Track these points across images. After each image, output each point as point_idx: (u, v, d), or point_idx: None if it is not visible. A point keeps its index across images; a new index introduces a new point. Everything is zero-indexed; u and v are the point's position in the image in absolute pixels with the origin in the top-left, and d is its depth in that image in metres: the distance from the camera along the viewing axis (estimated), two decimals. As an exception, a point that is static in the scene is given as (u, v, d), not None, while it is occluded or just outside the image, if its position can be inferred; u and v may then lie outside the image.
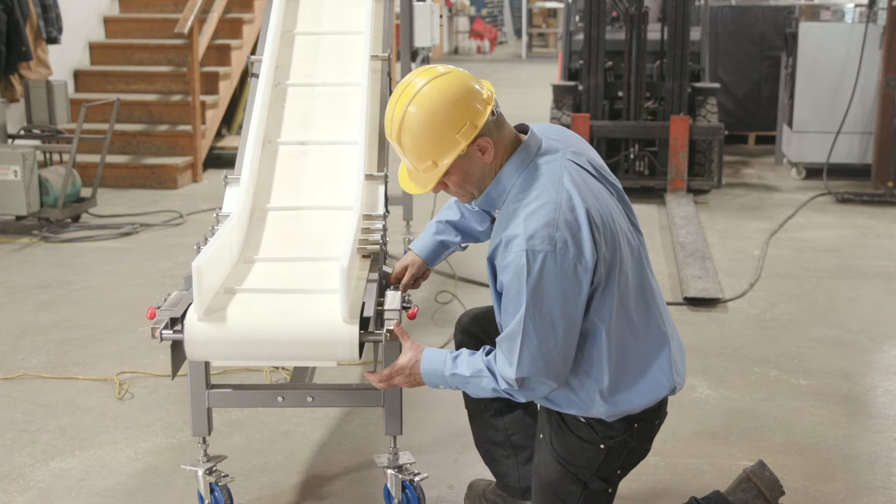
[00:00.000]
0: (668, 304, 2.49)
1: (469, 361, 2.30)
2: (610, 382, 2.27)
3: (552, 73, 14.58)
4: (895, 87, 7.32)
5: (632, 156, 7.51)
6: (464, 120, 2.23)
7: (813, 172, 7.91)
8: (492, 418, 2.68)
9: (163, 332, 2.40)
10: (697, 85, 7.59)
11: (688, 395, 3.71)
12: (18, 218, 6.26)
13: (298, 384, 3.06)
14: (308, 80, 3.54)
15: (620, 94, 7.43)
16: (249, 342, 2.41)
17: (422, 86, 2.25)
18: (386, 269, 2.77)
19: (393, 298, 2.59)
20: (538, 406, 2.48)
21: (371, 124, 3.28)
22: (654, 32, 7.51)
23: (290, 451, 3.33)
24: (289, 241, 2.92)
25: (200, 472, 2.72)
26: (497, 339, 2.26)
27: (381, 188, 3.07)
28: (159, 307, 2.50)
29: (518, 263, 2.15)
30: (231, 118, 9.04)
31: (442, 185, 2.32)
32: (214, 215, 2.94)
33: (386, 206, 3.03)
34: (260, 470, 3.20)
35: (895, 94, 7.34)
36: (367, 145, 3.14)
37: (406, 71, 5.43)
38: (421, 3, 5.59)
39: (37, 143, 6.60)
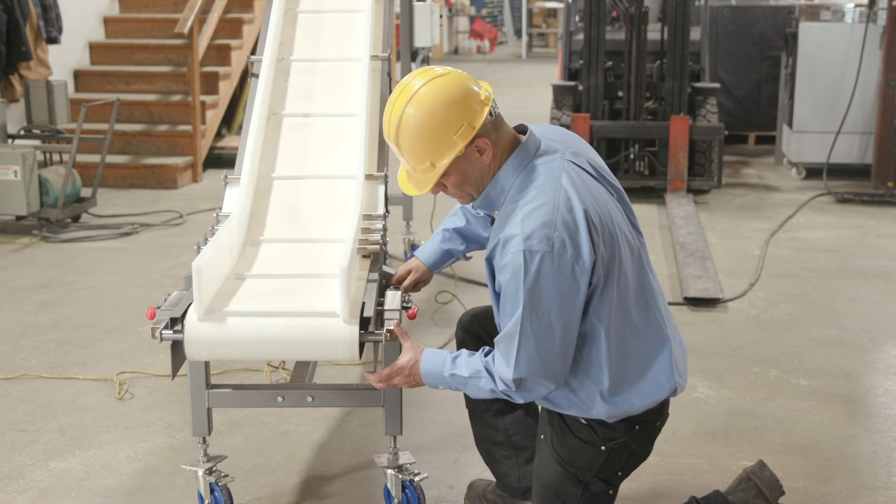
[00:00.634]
0: (668, 304, 2.48)
1: (468, 362, 2.30)
2: (610, 383, 2.26)
3: (552, 73, 14.57)
4: (895, 87, 7.32)
5: (632, 156, 7.51)
6: (461, 121, 2.23)
7: (813, 172, 7.91)
8: (492, 418, 2.68)
9: (163, 332, 2.40)
10: (697, 85, 7.59)
11: (688, 395, 3.71)
12: (18, 218, 6.26)
13: (298, 384, 3.06)
14: (311, 56, 3.63)
15: (620, 94, 7.43)
16: (249, 342, 2.42)
17: (419, 87, 2.25)
18: (386, 269, 2.77)
19: (393, 298, 2.59)
20: (539, 407, 2.48)
21: (371, 121, 3.29)
22: (654, 32, 7.51)
23: (290, 451, 3.33)
24: (292, 215, 2.99)
25: (200, 472, 2.73)
26: (495, 340, 2.26)
27: (381, 188, 3.08)
28: (159, 307, 2.50)
29: (515, 263, 2.15)
30: (231, 118, 9.04)
31: (440, 186, 2.32)
32: (214, 215, 2.95)
33: (386, 206, 3.03)
34: (260, 470, 3.20)
35: (895, 94, 7.34)
36: (368, 118, 3.24)
37: (406, 71, 5.42)
38: (421, 3, 5.59)
39: (37, 143, 6.60)
